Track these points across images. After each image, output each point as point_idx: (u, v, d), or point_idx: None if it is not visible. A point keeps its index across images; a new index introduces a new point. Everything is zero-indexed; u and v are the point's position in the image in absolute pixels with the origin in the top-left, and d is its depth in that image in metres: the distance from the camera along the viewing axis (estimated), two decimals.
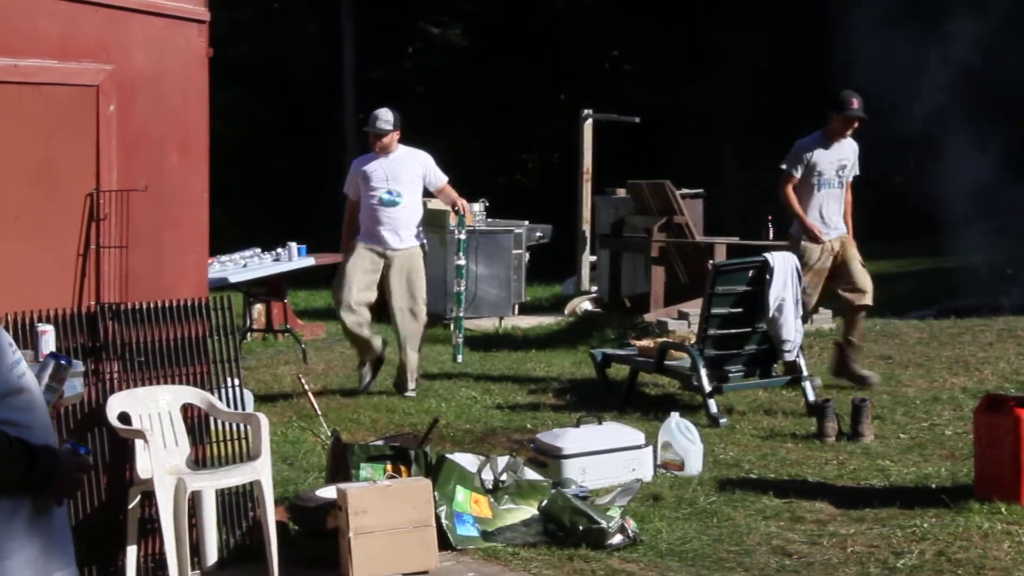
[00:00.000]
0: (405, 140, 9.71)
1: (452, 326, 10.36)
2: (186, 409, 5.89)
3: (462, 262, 10.39)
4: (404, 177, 9.53)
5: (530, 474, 6.51)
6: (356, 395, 9.61)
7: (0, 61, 5.51)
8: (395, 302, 9.47)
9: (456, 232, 10.19)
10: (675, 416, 7.40)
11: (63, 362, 3.43)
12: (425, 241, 9.74)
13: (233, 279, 11.08)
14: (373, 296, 9.47)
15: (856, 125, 9.49)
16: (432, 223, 10.08)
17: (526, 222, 14.75)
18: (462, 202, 9.84)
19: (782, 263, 8.62)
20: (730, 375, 8.78)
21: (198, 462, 5.89)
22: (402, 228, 9.48)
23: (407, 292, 9.46)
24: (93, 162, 5.72)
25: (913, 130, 14.59)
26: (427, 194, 10.02)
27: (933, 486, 6.68)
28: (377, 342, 9.61)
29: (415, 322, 9.50)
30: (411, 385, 9.59)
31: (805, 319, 9.08)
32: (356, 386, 9.84)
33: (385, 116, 9.51)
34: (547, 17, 27.96)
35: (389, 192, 9.45)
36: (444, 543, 5.78)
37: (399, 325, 9.49)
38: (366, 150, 9.88)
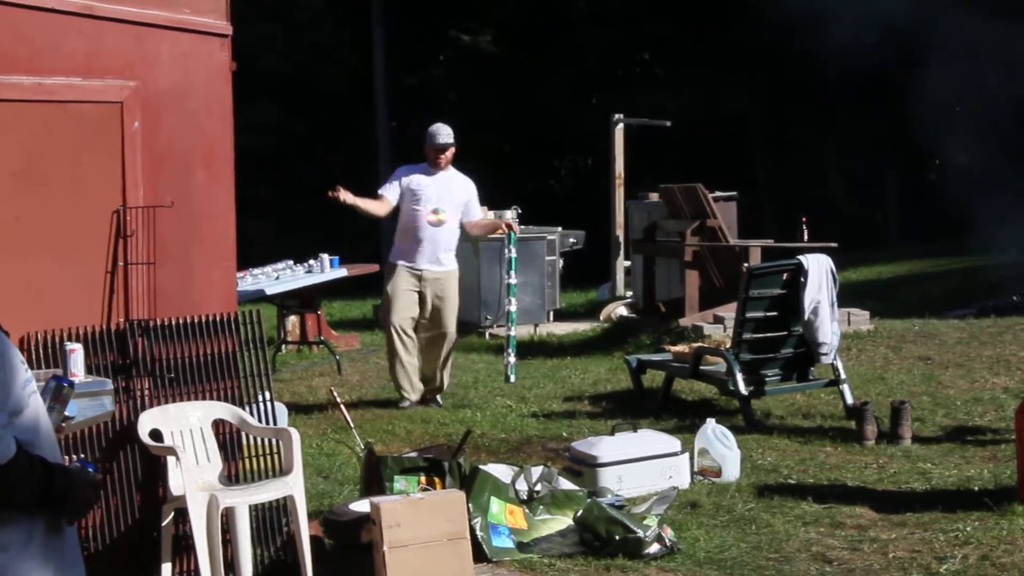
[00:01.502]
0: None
1: (505, 346, 10.27)
2: (217, 425, 5.86)
3: (513, 281, 10.28)
4: (452, 199, 9.55)
5: (565, 484, 6.45)
6: (391, 406, 9.57)
7: (25, 79, 5.49)
8: (429, 322, 9.51)
9: (508, 251, 10.17)
10: (711, 422, 7.33)
11: (65, 384, 3.42)
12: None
13: (268, 291, 11.08)
14: (416, 313, 9.49)
15: None
16: (466, 235, 10.05)
17: (559, 228, 14.70)
18: (506, 221, 9.91)
19: (816, 265, 8.52)
20: (767, 379, 8.69)
21: (231, 478, 5.86)
22: (442, 250, 9.50)
23: (440, 315, 9.49)
24: (119, 179, 5.70)
25: (950, 128, 14.47)
26: None
27: (975, 489, 6.58)
28: (408, 386, 9.51)
29: (446, 343, 9.55)
30: (439, 400, 9.65)
31: None
32: (391, 396, 9.83)
33: (447, 131, 9.57)
34: (577, 22, 27.92)
35: (435, 211, 9.46)
36: (479, 555, 5.72)
37: (429, 343, 9.54)
38: (398, 159, 9.93)
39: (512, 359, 10.20)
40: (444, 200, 9.49)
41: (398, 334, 9.40)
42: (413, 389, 9.52)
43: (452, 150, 9.56)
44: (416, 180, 9.50)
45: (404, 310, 9.41)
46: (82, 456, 5.34)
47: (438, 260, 9.48)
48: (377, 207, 9.57)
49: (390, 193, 9.54)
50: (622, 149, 16.13)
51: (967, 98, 14.28)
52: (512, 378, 10.20)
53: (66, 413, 3.96)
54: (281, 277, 11.23)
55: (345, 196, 9.26)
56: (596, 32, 27.21)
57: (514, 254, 10.23)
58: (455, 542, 5.55)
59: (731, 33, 25.48)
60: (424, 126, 9.80)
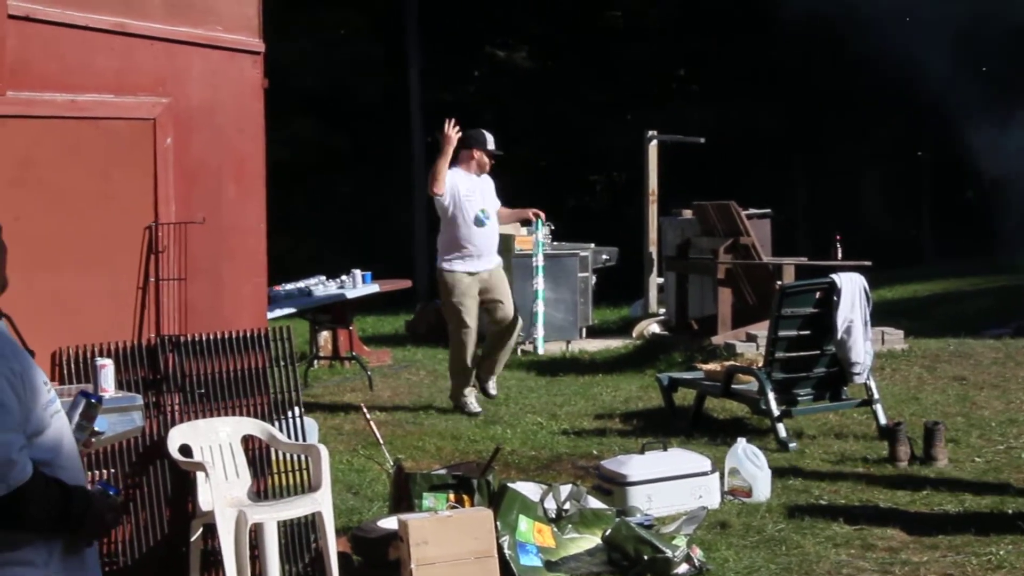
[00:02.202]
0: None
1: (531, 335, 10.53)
2: (247, 441, 5.87)
3: (541, 287, 10.47)
4: (490, 200, 9.88)
5: (593, 502, 6.42)
6: (421, 422, 9.58)
7: (58, 96, 5.54)
8: (495, 315, 9.80)
9: (536, 236, 10.69)
10: (742, 441, 7.29)
11: (93, 400, 3.43)
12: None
13: (298, 307, 11.11)
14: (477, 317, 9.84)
15: None
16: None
17: (592, 245, 14.67)
18: (533, 210, 10.24)
19: (850, 284, 8.47)
20: (799, 398, 8.64)
21: (259, 494, 5.87)
22: (489, 248, 9.80)
23: (504, 308, 9.79)
24: (151, 195, 5.73)
25: (985, 146, 14.37)
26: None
27: (1010, 511, 6.51)
28: (471, 395, 9.89)
29: (514, 330, 9.91)
30: (493, 389, 10.03)
31: None
32: (422, 412, 9.86)
33: (492, 137, 9.87)
34: (612, 38, 27.94)
35: (483, 210, 9.73)
36: (507, 573, 5.70)
37: (499, 333, 9.85)
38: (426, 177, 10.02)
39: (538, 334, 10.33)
40: (488, 201, 9.81)
41: (470, 338, 9.70)
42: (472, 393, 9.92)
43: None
44: (463, 184, 9.71)
45: (474, 316, 9.74)
46: (103, 479, 5.36)
47: (490, 259, 9.80)
48: (444, 176, 9.60)
49: (447, 186, 9.63)
50: (656, 165, 16.09)
51: (1005, 112, 14.21)
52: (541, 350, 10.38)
53: (95, 428, 3.97)
54: (314, 292, 11.26)
55: (453, 132, 9.50)
56: (631, 48, 27.22)
57: (540, 261, 10.29)
58: (483, 560, 5.54)
59: (765, 50, 25.44)
60: (459, 141, 9.77)
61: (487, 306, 9.79)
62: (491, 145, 9.79)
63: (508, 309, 9.82)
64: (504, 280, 9.93)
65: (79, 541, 3.09)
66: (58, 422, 3.09)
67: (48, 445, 3.03)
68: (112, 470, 5.58)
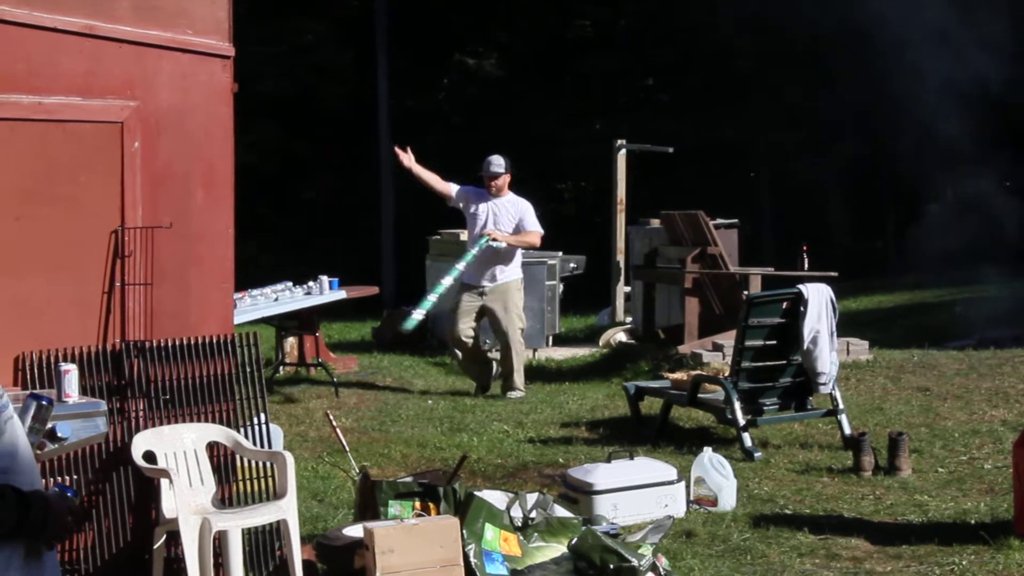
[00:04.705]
0: (443, 170, 10.19)
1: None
2: (212, 447, 5.84)
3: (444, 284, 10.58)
4: (504, 222, 10.66)
5: (560, 511, 6.41)
6: (387, 429, 9.56)
7: (25, 99, 5.49)
8: (497, 324, 10.71)
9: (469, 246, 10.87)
10: (708, 451, 7.31)
11: (44, 402, 3.39)
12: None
13: (267, 313, 11.06)
14: (473, 327, 10.77)
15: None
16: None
17: (559, 253, 14.68)
18: (491, 232, 10.63)
19: (816, 294, 8.50)
20: (764, 408, 8.66)
21: (224, 501, 5.84)
22: (498, 267, 10.66)
23: (501, 323, 10.65)
24: (118, 199, 5.69)
25: (946, 161, 14.49)
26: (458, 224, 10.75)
27: (972, 522, 6.55)
28: (483, 374, 10.99)
29: (513, 335, 10.67)
30: (512, 394, 10.74)
31: None
32: (387, 419, 9.87)
33: (498, 160, 10.75)
34: (581, 47, 28.00)
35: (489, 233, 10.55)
36: None
37: (500, 339, 10.77)
38: (400, 182, 10.35)
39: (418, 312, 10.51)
40: (498, 223, 10.60)
41: (458, 347, 10.76)
42: (482, 379, 11.00)
43: (504, 177, 10.72)
44: (477, 205, 10.69)
45: (465, 324, 10.67)
46: (61, 481, 5.31)
47: (494, 276, 10.65)
48: (439, 183, 10.75)
49: (455, 188, 10.76)
50: (624, 175, 16.12)
51: (956, 129, 14.36)
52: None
53: (59, 434, 3.93)
54: (280, 298, 11.20)
55: (408, 159, 10.48)
56: (600, 57, 27.28)
57: (468, 257, 10.61)
58: (448, 568, 5.52)
59: (734, 61, 25.56)
60: (427, 149, 9.99)
61: (487, 319, 10.72)
62: (489, 168, 10.69)
63: (503, 327, 10.64)
64: (510, 299, 10.68)
65: (39, 545, 3.05)
66: (11, 428, 3.05)
67: (2, 451, 3.00)
68: (75, 476, 5.54)
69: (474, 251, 10.56)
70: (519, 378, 10.84)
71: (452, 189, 10.79)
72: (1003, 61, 14.33)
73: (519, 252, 10.88)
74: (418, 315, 10.35)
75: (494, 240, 10.58)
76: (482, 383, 11.05)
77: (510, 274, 10.75)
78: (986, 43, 14.33)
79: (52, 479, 5.40)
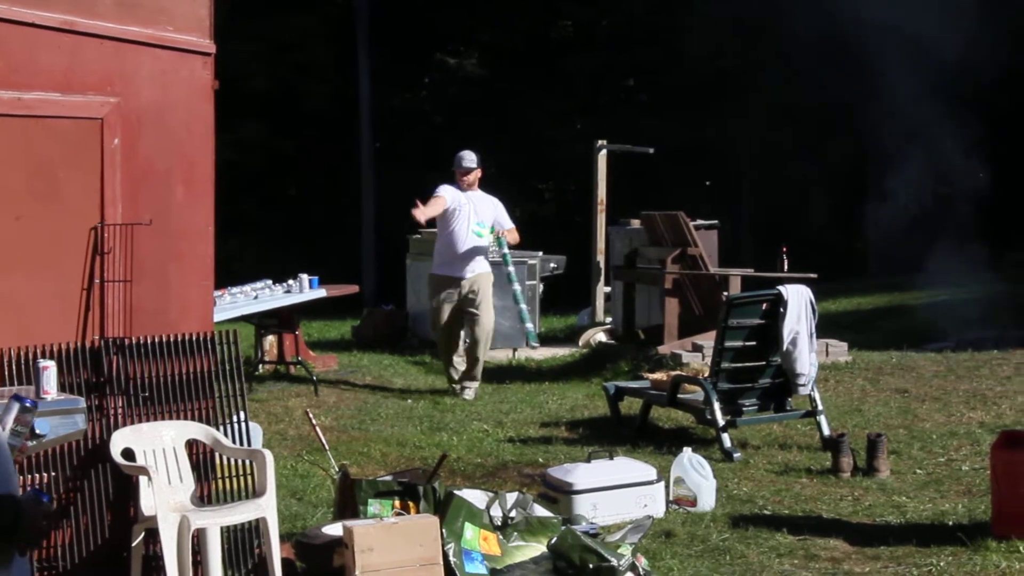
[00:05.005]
0: (425, 169, 10.12)
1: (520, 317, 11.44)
2: (191, 445, 5.82)
3: (517, 287, 11.30)
4: (485, 215, 10.92)
5: (539, 510, 6.42)
6: (367, 428, 9.54)
7: (4, 94, 5.47)
8: (468, 311, 10.85)
9: (498, 254, 11.40)
10: (687, 451, 7.32)
11: (28, 404, 3.35)
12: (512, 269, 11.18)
13: (246, 311, 11.03)
14: (457, 319, 10.94)
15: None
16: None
17: (540, 253, 14.68)
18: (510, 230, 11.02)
19: (796, 296, 8.53)
20: (744, 409, 8.68)
21: (203, 499, 5.82)
22: (477, 258, 10.87)
23: (476, 305, 10.81)
24: (98, 195, 5.67)
25: (919, 162, 14.55)
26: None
27: (950, 523, 6.57)
28: (453, 371, 11.08)
29: (481, 327, 10.81)
30: (468, 394, 10.83)
31: None
32: (367, 418, 9.86)
33: (471, 156, 10.97)
34: (563, 47, 28.01)
35: (480, 223, 10.85)
36: None
37: (470, 329, 10.93)
38: (381, 180, 10.42)
39: (528, 326, 11.35)
40: (478, 216, 10.83)
41: (446, 338, 10.98)
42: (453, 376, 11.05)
43: (476, 173, 10.94)
44: (457, 198, 10.81)
45: (449, 316, 10.86)
46: (36, 481, 5.29)
47: (472, 267, 10.84)
48: (439, 205, 10.76)
49: (448, 194, 10.78)
50: (605, 175, 16.14)
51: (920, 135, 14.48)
52: (535, 343, 11.79)
53: (38, 431, 3.89)
54: (260, 296, 11.18)
55: (422, 213, 10.46)
56: (581, 57, 27.30)
57: (511, 268, 11.23)
58: (428, 567, 5.52)
59: (715, 61, 25.60)
60: (408, 147, 10.06)
61: (464, 305, 10.83)
62: (462, 163, 10.87)
63: (478, 312, 10.77)
64: (486, 287, 10.87)
65: (12, 550, 3.00)
66: None
67: None
68: (53, 473, 5.52)
69: (507, 251, 11.09)
70: (478, 372, 10.98)
71: (448, 196, 10.80)
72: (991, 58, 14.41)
73: (488, 244, 11.11)
74: (531, 326, 11.41)
75: (502, 237, 10.95)
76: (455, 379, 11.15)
77: (485, 265, 10.98)
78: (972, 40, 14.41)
79: (29, 476, 5.38)
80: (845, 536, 6.42)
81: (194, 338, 5.90)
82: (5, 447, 3.08)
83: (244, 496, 5.87)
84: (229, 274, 10.76)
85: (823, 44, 19.06)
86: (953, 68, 14.27)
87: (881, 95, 15.89)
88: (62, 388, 5.30)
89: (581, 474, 6.98)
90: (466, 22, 28.85)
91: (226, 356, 6.00)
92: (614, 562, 5.74)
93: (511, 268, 11.21)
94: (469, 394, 10.85)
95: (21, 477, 5.35)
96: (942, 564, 5.88)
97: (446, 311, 10.88)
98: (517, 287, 11.25)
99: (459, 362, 11.11)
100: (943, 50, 14.24)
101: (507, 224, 11.05)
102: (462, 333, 11.15)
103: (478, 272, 10.89)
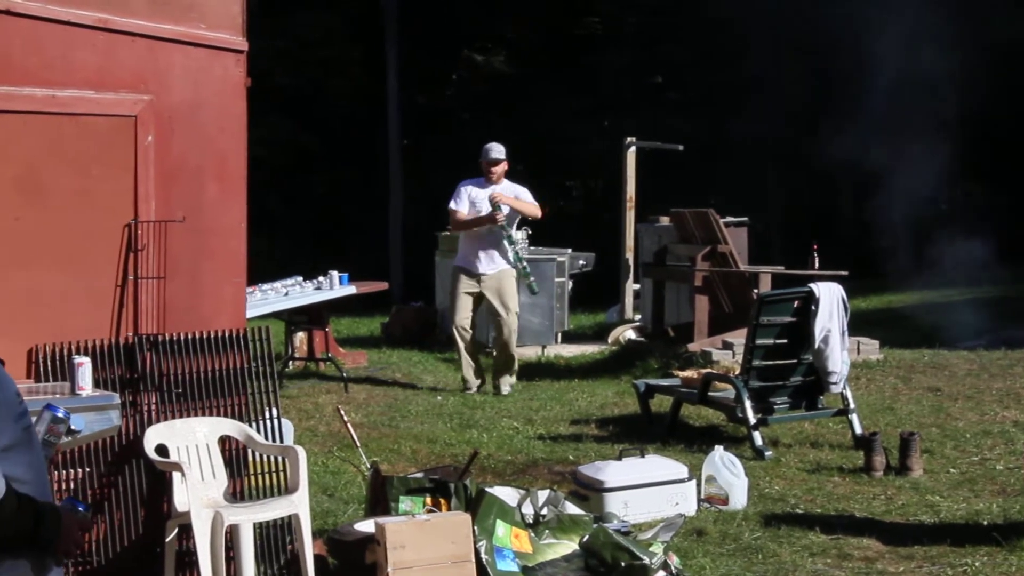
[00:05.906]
0: (452, 166, 10.08)
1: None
2: (224, 441, 5.84)
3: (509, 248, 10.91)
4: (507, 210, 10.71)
5: (571, 508, 6.40)
6: (397, 425, 9.55)
7: (38, 92, 5.49)
8: (491, 312, 10.85)
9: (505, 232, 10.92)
10: (719, 449, 7.29)
11: (59, 415, 3.35)
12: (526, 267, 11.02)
13: (277, 307, 11.07)
14: (471, 313, 10.92)
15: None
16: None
17: (569, 250, 14.66)
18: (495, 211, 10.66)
19: (828, 293, 8.48)
20: (775, 407, 8.64)
21: (236, 495, 5.83)
22: (498, 253, 10.78)
23: (500, 303, 10.76)
24: (131, 193, 5.69)
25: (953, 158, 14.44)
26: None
27: (984, 523, 6.53)
28: (470, 375, 11.00)
29: (506, 326, 10.78)
30: (505, 388, 10.89)
31: None
32: (397, 414, 9.86)
33: (498, 147, 10.89)
34: (591, 44, 27.96)
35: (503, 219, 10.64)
36: None
37: (496, 329, 10.95)
38: (409, 177, 10.39)
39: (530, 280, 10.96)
40: (500, 206, 10.60)
41: (459, 332, 10.84)
42: (475, 376, 11.01)
43: (503, 165, 10.84)
44: (475, 192, 10.77)
45: (464, 310, 10.84)
46: (71, 494, 5.30)
47: (491, 263, 10.77)
48: (458, 224, 10.90)
49: (461, 206, 10.77)
50: (634, 172, 16.10)
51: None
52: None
53: (73, 427, 3.90)
54: (290, 293, 11.21)
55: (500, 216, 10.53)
56: (609, 54, 27.23)
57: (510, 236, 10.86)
58: (459, 565, 5.51)
59: (744, 58, 25.50)
60: (436, 144, 10.05)
61: (486, 303, 10.80)
62: (490, 154, 10.79)
63: (502, 310, 10.74)
64: (508, 283, 10.82)
65: (48, 560, 2.98)
66: (30, 436, 2.98)
67: (19, 459, 2.92)
68: (88, 469, 5.54)
69: (505, 213, 10.69)
70: (515, 367, 11.00)
71: (463, 208, 10.76)
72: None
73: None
74: (530, 280, 10.94)
75: (498, 202, 10.63)
76: (474, 378, 11.05)
77: (505, 261, 10.86)
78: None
79: (64, 472, 5.40)
80: (878, 535, 6.39)
81: (227, 335, 5.91)
82: (42, 457, 3.07)
83: (277, 492, 5.88)
84: (259, 271, 10.79)
85: (851, 38, 18.97)
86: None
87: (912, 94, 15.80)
88: (96, 384, 5.34)
89: (612, 472, 6.96)
90: (493, 19, 28.82)
91: (258, 353, 6.02)
92: (646, 560, 5.72)
93: (509, 233, 10.82)
94: (505, 389, 10.87)
95: (56, 473, 5.38)
96: (977, 564, 5.84)
97: (462, 303, 10.84)
98: (509, 247, 10.85)
99: (470, 369, 10.97)
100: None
101: (527, 198, 10.89)
102: (473, 332, 11.02)
103: (499, 268, 10.82)
